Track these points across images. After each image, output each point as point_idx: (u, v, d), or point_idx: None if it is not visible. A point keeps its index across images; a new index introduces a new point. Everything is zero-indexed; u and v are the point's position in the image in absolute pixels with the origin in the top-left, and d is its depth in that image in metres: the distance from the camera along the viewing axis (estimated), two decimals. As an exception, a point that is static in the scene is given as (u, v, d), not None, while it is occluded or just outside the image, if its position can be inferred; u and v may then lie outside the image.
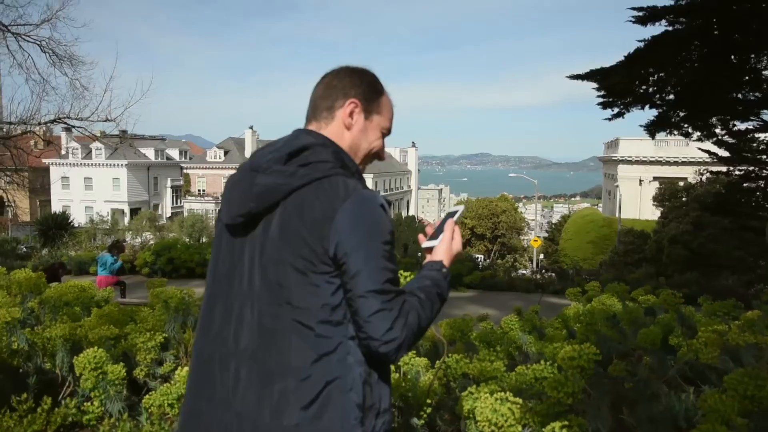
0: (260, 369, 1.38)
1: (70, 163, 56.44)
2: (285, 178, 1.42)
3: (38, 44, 16.45)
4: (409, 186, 76.83)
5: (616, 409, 2.88)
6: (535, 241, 38.73)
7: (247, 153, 63.90)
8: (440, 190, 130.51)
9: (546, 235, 56.98)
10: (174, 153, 65.57)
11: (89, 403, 2.86)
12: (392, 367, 2.14)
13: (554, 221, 62.09)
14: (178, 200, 62.88)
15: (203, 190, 62.96)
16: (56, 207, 51.72)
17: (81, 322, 3.56)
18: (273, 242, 1.41)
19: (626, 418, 2.82)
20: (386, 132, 1.66)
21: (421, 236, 1.69)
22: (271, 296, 1.40)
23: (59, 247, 18.99)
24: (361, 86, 1.59)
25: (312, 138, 1.50)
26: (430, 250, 1.61)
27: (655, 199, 28.86)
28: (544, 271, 20.14)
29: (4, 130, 16.39)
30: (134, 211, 53.89)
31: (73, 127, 17.35)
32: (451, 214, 1.71)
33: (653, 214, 29.91)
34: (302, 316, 1.37)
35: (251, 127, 65.37)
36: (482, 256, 43.62)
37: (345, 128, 1.57)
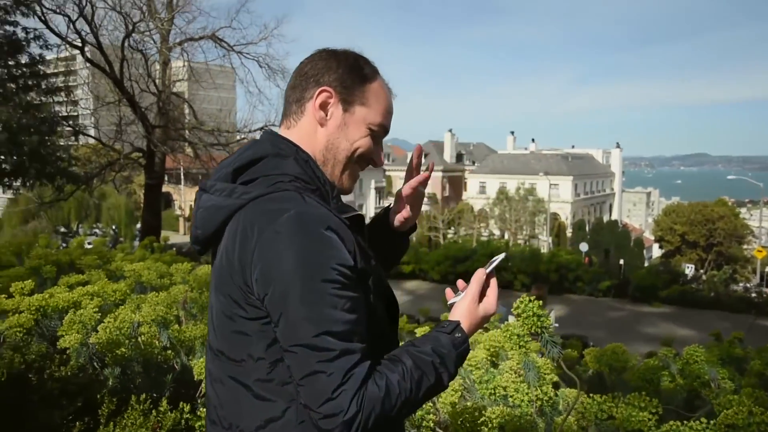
0: (224, 427, 1.17)
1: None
2: (224, 197, 1.16)
3: (256, 60, 18.46)
4: (612, 189, 72.15)
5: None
6: (759, 251, 34.10)
7: (446, 156, 65.12)
8: (648, 193, 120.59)
9: (777, 245, 50.01)
10: (378, 156, 68.87)
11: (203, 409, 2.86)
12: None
13: (789, 230, 54.22)
14: (381, 201, 66.03)
15: (404, 192, 65.29)
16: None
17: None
18: (214, 278, 1.20)
19: None
20: (377, 129, 1.27)
21: (448, 291, 1.33)
22: (214, 345, 1.20)
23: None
24: (338, 70, 1.24)
25: (268, 145, 1.22)
26: None
27: None
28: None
29: (226, 138, 18.62)
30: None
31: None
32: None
33: None
34: (238, 372, 1.13)
35: (450, 130, 66.52)
36: (693, 266, 39.54)
37: (318, 124, 1.25)
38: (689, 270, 25.34)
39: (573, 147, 71.87)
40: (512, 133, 70.73)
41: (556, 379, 3.45)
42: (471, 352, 3.83)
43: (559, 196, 56.08)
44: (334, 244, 1.06)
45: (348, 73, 1.24)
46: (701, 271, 36.05)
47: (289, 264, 1.03)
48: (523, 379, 3.30)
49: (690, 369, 3.74)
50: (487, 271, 1.28)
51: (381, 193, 66.42)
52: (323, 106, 1.24)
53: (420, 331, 4.39)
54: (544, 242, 46.59)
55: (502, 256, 1.40)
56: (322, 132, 1.25)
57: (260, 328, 1.09)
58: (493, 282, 1.28)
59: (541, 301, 3.54)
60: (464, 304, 1.24)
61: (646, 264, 43.99)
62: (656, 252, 62.43)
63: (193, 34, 17.96)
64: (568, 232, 49.20)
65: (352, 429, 0.99)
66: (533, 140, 67.91)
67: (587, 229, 49.02)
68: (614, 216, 66.09)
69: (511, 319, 6.31)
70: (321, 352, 1.01)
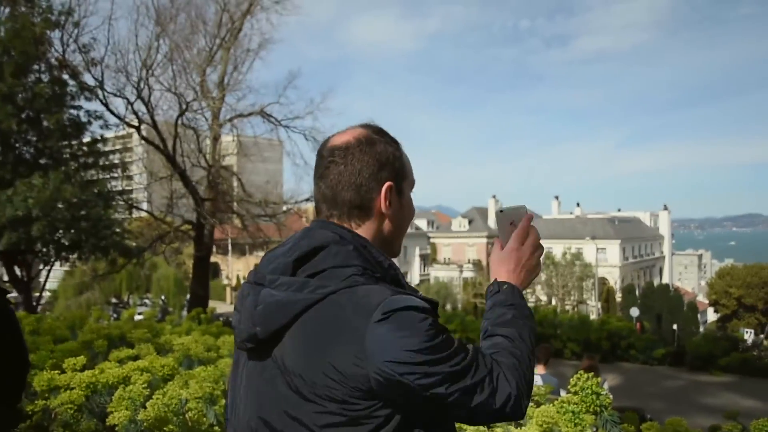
0: None
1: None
2: (292, 293, 1.11)
3: (303, 133, 19.07)
4: (662, 252, 70.27)
5: None
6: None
7: (490, 222, 64.87)
8: (700, 256, 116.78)
9: None
10: (422, 223, 69.15)
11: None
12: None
13: None
14: (426, 268, 65.72)
15: (449, 258, 64.96)
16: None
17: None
18: (288, 374, 1.10)
19: None
20: (413, 185, 1.32)
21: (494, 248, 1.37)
22: None
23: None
24: (386, 162, 1.23)
25: (328, 232, 1.18)
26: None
27: None
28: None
29: (272, 209, 19.05)
30: (386, 278, 57.44)
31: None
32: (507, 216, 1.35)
33: None
34: None
35: (494, 196, 66.48)
36: (752, 331, 37.64)
37: (378, 214, 1.24)
38: (748, 335, 24.12)
39: (619, 210, 70.78)
40: (557, 197, 70.27)
41: (613, 457, 3.28)
42: (523, 428, 3.69)
43: (607, 260, 54.88)
44: (427, 317, 1.06)
45: (394, 160, 1.24)
46: (761, 336, 34.27)
47: (411, 353, 1.03)
48: (579, 457, 3.16)
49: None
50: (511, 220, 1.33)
51: (426, 260, 66.21)
52: (389, 200, 1.23)
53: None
54: (593, 308, 45.30)
55: (523, 207, 1.37)
56: (383, 220, 1.25)
57: (369, 414, 1.06)
58: (522, 227, 1.32)
59: (598, 378, 3.42)
60: (501, 256, 1.33)
61: (701, 329, 42.12)
62: (711, 316, 59.86)
63: (242, 110, 18.77)
64: (618, 297, 47.77)
65: (522, 399, 1.11)
66: (578, 204, 67.09)
67: (637, 293, 47.55)
68: (665, 280, 64.05)
69: (563, 393, 6.07)
70: (480, 382, 1.08)
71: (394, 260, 1.27)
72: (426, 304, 1.08)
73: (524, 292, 1.33)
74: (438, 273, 61.77)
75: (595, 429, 3.50)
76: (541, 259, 1.37)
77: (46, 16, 12.05)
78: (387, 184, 1.21)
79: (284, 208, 19.63)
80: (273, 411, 1.11)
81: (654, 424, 3.90)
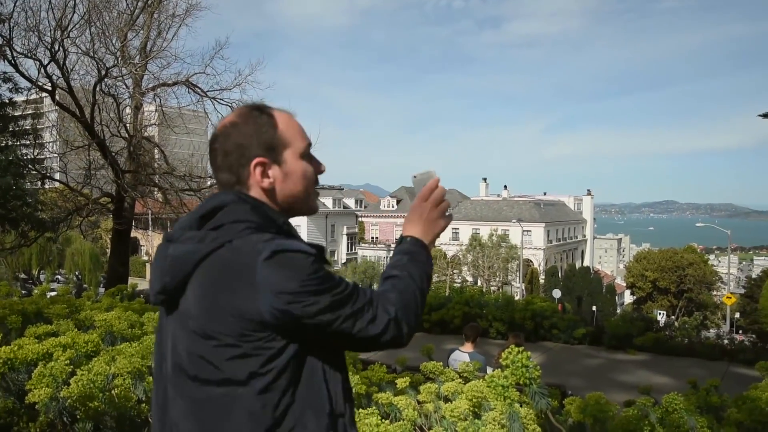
0: None
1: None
2: (195, 244, 1.23)
3: (230, 106, 18.45)
4: (584, 235, 73.34)
5: None
6: (728, 297, 34.78)
7: (418, 202, 65.64)
8: (619, 240, 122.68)
9: (743, 291, 51.07)
10: (350, 202, 69.09)
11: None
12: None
13: (754, 276, 55.55)
14: (353, 247, 65.85)
15: (376, 238, 65.32)
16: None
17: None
18: (191, 317, 1.21)
19: None
20: (305, 151, 1.38)
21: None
22: (195, 376, 1.21)
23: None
24: (253, 137, 1.32)
25: (230, 195, 1.30)
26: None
27: None
28: (741, 332, 17.83)
29: (197, 183, 18.49)
30: (313, 257, 57.27)
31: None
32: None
33: None
34: (236, 392, 1.18)
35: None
36: (664, 313, 40.05)
37: (264, 188, 1.33)
38: (661, 317, 25.61)
39: (545, 194, 73.07)
40: (485, 179, 71.72)
41: (539, 430, 3.39)
42: (454, 403, 3.75)
43: (532, 242, 56.69)
44: (308, 257, 1.19)
45: (262, 133, 1.33)
46: (673, 317, 36.52)
47: (294, 285, 1.15)
48: (508, 430, 3.24)
49: (670, 418, 3.74)
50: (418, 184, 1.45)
51: (353, 239, 66.30)
52: (263, 174, 1.32)
53: (400, 382, 4.29)
54: (517, 289, 46.87)
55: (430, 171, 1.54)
56: (268, 191, 1.33)
57: (263, 345, 1.17)
58: (428, 189, 1.49)
59: (528, 353, 3.51)
60: (411, 216, 1.48)
61: (618, 310, 44.38)
62: (628, 298, 63.16)
63: (166, 79, 17.93)
64: (541, 279, 49.56)
65: (400, 325, 1.25)
66: (506, 187, 68.89)
67: (560, 275, 49.50)
68: (586, 262, 67.00)
69: (489, 370, 6.23)
70: (363, 314, 1.21)
71: (322, 239, 1.33)
72: (312, 249, 1.21)
73: (433, 244, 1.48)
74: (365, 252, 62.02)
75: (521, 405, 3.60)
76: (448, 212, 1.51)
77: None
78: (255, 161, 1.31)
79: (209, 182, 19.07)
80: (183, 354, 1.23)
81: (576, 398, 4.06)
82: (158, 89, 18.18)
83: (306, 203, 1.39)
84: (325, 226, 64.00)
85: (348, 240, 66.06)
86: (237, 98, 19.08)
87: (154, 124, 20.47)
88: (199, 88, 18.16)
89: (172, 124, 19.82)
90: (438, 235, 1.49)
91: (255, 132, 1.32)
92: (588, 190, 76.27)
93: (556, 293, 32.20)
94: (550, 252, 59.61)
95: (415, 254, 1.40)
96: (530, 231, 56.36)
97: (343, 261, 61.58)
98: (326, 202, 64.74)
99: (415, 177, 1.52)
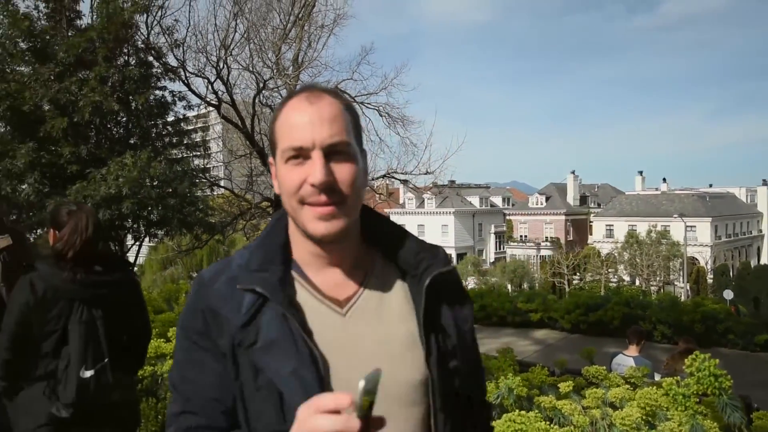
0: None
1: (406, 212, 62.98)
2: None
3: (376, 109, 18.96)
4: (760, 230, 66.31)
5: None
6: None
7: (569, 198, 63.13)
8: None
9: None
10: (497, 200, 68.21)
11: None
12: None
13: None
14: (501, 245, 64.87)
15: (525, 236, 63.86)
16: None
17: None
18: None
19: None
20: (289, 153, 1.03)
21: None
22: None
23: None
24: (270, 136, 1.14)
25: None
26: None
27: None
28: None
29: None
30: (460, 256, 57.31)
31: (399, 180, 19.50)
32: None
33: None
34: None
35: (573, 172, 64.58)
36: None
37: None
38: None
39: (711, 186, 67.25)
40: (641, 172, 67.27)
41: (726, 446, 3.07)
42: (624, 410, 3.51)
43: (697, 239, 52.33)
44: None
45: (270, 133, 1.11)
46: None
47: None
48: (689, 444, 2.96)
49: None
50: (358, 414, 0.76)
51: (501, 237, 65.30)
52: (273, 177, 1.12)
53: (562, 386, 4.10)
54: (681, 289, 43.40)
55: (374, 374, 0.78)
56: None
57: None
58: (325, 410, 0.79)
59: (717, 360, 3.19)
60: None
61: (805, 314, 39.61)
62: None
63: (317, 87, 18.86)
64: (709, 279, 45.52)
65: None
66: (664, 180, 64.01)
67: (731, 275, 45.18)
68: (763, 260, 60.42)
69: (657, 376, 5.78)
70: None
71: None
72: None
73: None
74: (514, 251, 60.82)
75: (704, 415, 3.28)
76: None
77: (134, 0, 12.45)
78: (270, 159, 1.13)
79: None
80: None
81: (765, 413, 3.63)
82: (310, 98, 19.13)
83: (298, 221, 1.05)
84: (472, 225, 63.73)
85: (496, 239, 65.21)
86: (383, 101, 19.55)
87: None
88: (348, 94, 18.85)
89: (322, 130, 20.73)
90: None
91: (270, 129, 1.12)
92: (763, 180, 68.85)
93: (728, 294, 29.33)
94: (718, 249, 54.60)
95: None
96: (694, 226, 52.03)
97: (492, 260, 60.85)
98: (473, 200, 64.53)
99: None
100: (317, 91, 1.07)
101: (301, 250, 1.10)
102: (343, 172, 1.02)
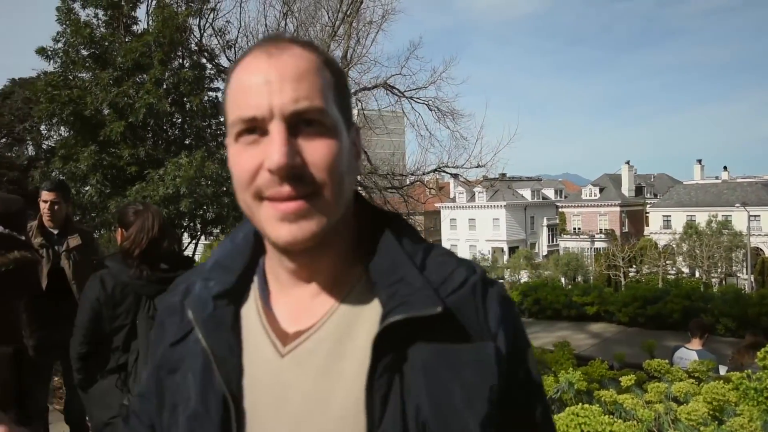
0: None
1: (457, 206, 62.67)
2: None
3: (426, 104, 18.94)
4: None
5: None
6: None
7: (624, 190, 61.51)
8: None
9: None
10: (549, 192, 67.11)
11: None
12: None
13: None
14: (554, 238, 63.79)
15: (578, 228, 62.59)
16: (445, 245, 57.86)
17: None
18: None
19: None
20: (237, 127, 0.73)
21: None
22: None
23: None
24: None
25: None
26: None
27: None
28: None
29: (399, 181, 19.20)
30: (512, 250, 56.72)
31: (450, 174, 19.42)
32: None
33: None
34: None
35: (627, 162, 62.89)
36: None
37: None
38: None
39: (775, 173, 64.33)
40: (699, 161, 64.90)
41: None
42: (690, 405, 3.40)
43: (762, 228, 50.17)
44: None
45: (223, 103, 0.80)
46: None
47: None
48: (761, 440, 2.85)
49: None
50: None
51: (554, 230, 64.22)
52: None
53: (624, 380, 4.01)
54: (745, 281, 41.74)
55: None
56: None
57: None
58: None
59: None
60: None
61: None
62: None
63: (366, 83, 18.96)
64: (774, 270, 43.61)
65: None
66: (725, 168, 61.54)
67: (799, 265, 43.15)
68: None
69: (723, 370, 5.59)
70: None
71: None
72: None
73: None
74: (567, 243, 59.69)
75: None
76: None
77: (189, 4, 12.82)
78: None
79: (408, 180, 19.72)
80: None
81: (843, 407, 3.46)
82: (359, 93, 19.25)
83: (255, 222, 0.76)
84: (524, 218, 62.92)
85: (549, 231, 64.17)
86: (432, 96, 19.50)
87: (358, 127, 21.70)
88: (397, 89, 18.89)
89: (373, 126, 20.85)
90: None
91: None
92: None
93: (797, 286, 28.02)
94: (785, 239, 52.24)
95: None
96: (758, 216, 49.85)
97: (545, 253, 59.92)
98: (524, 193, 63.76)
99: None
100: (282, 41, 0.75)
101: (269, 257, 0.82)
102: (315, 151, 0.71)
